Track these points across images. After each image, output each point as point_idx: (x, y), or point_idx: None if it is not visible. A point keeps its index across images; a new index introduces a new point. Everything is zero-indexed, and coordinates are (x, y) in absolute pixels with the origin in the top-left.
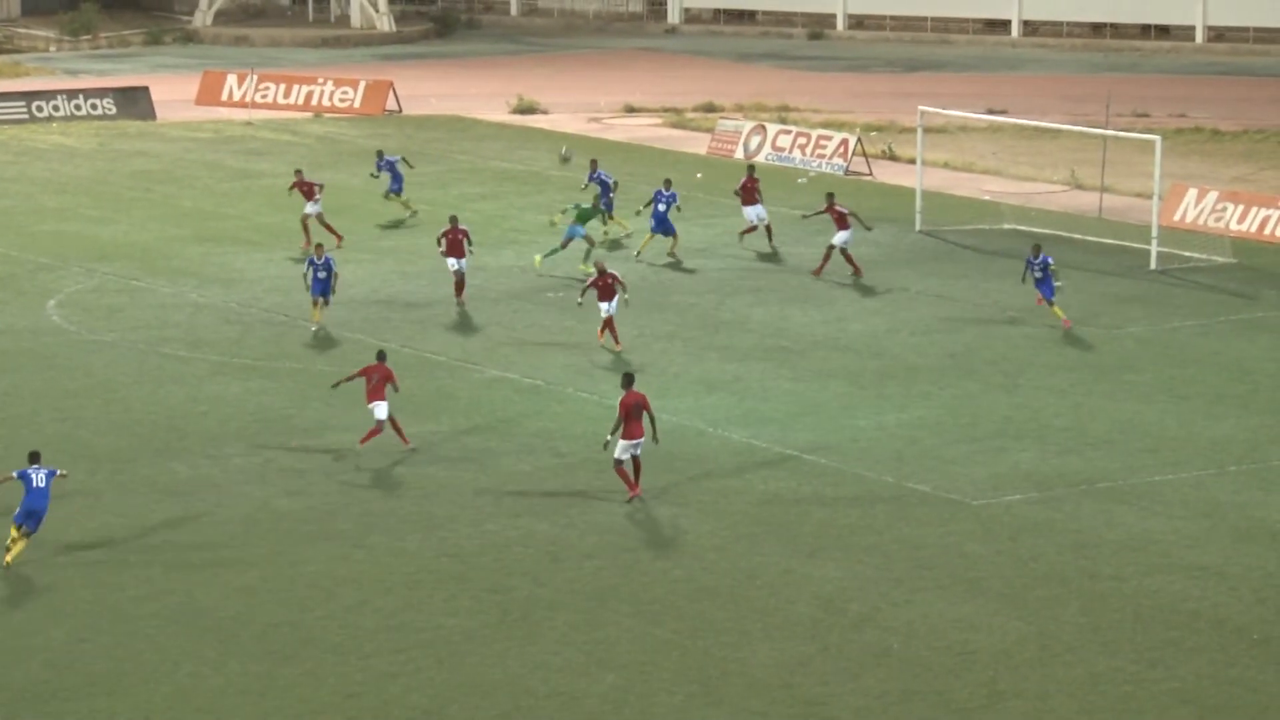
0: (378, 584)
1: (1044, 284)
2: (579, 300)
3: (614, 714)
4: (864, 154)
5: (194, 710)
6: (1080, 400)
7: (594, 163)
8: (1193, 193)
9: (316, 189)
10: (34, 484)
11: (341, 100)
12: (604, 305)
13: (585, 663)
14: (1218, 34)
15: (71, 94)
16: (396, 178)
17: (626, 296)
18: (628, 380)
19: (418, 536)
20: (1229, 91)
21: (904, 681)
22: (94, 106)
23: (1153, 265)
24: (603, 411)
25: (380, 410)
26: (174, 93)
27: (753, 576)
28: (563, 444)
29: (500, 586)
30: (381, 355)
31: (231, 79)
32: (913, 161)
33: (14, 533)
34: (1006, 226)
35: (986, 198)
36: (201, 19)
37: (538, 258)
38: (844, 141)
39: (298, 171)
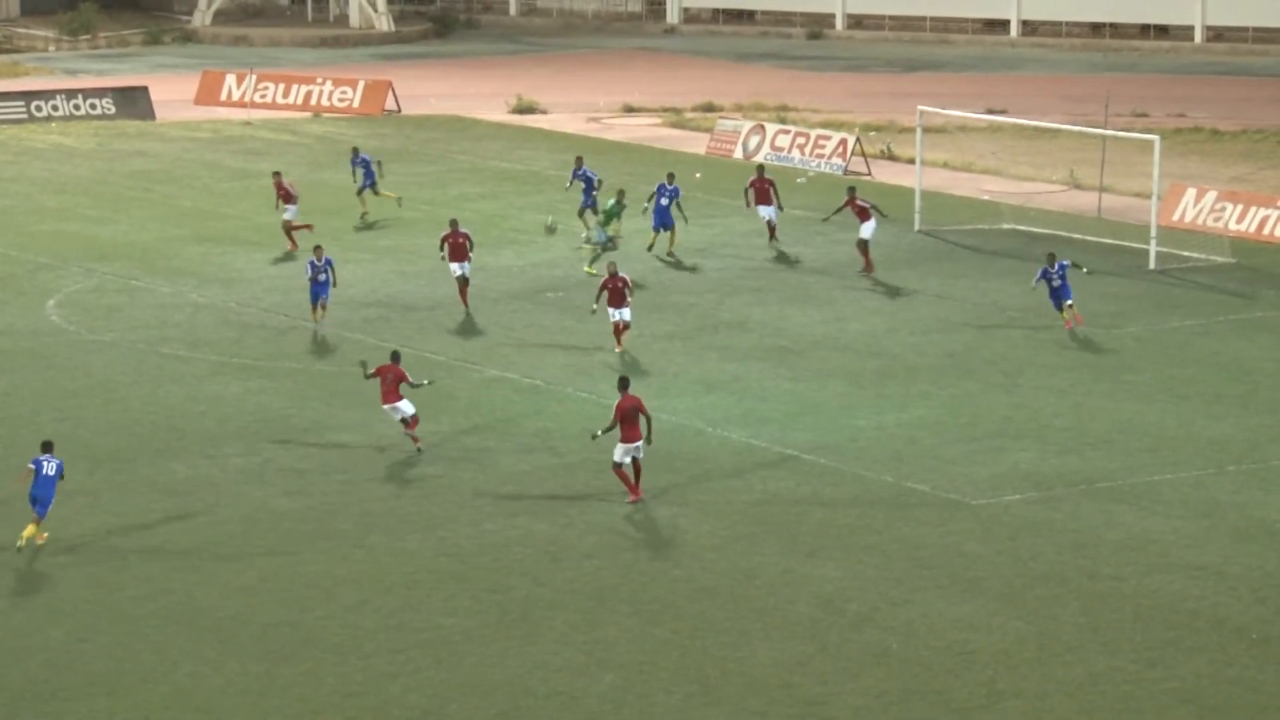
0: (377, 584)
1: (1063, 290)
2: (593, 308)
3: (613, 714)
4: (863, 154)
5: (193, 710)
6: (1080, 400)
7: (579, 160)
8: (1191, 192)
9: (294, 192)
10: (43, 471)
11: (340, 100)
12: (615, 311)
13: (584, 662)
14: (1217, 34)
15: (71, 94)
16: (369, 174)
17: (631, 300)
18: (623, 384)
19: (417, 536)
20: (1228, 91)
21: (903, 681)
22: (93, 106)
23: (1152, 265)
24: (602, 411)
25: (405, 408)
26: (173, 92)
27: (752, 576)
28: (562, 444)
29: (499, 586)
30: (396, 355)
31: (230, 79)
32: (912, 161)
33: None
34: (1006, 226)
35: (986, 198)
36: (200, 19)
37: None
38: (843, 141)
39: (276, 174)
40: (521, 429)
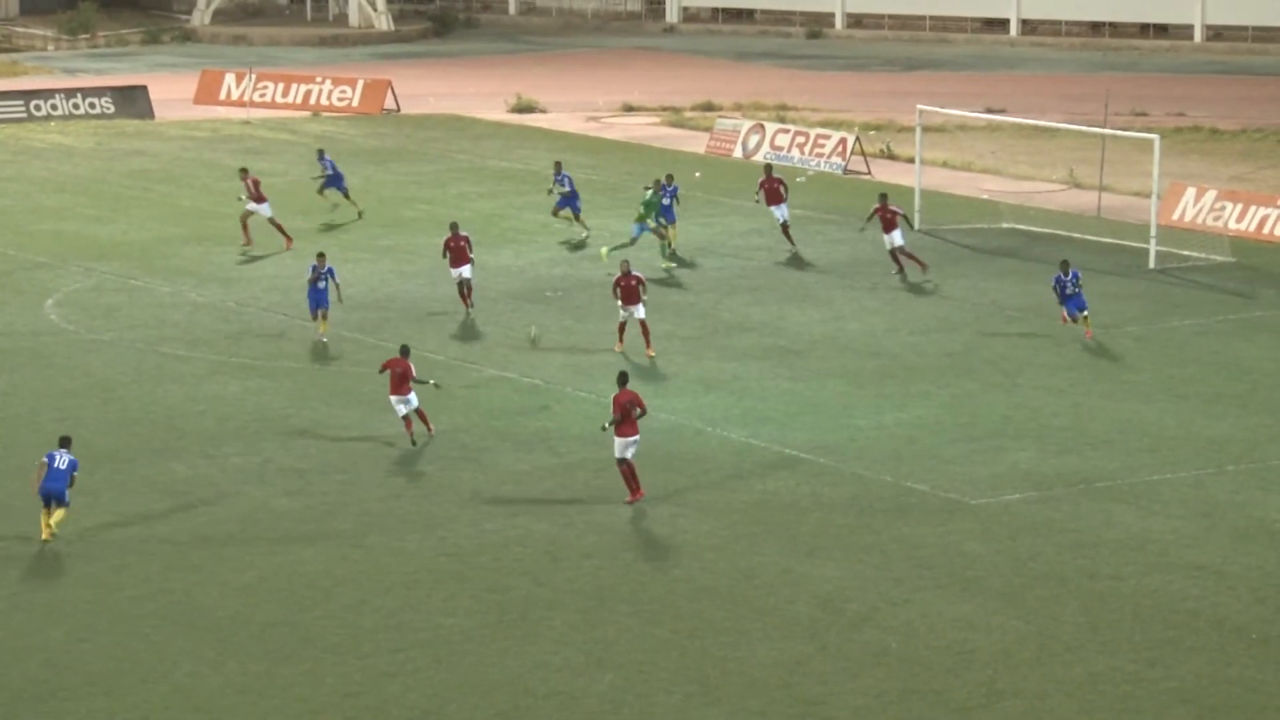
0: (376, 583)
1: (1077, 299)
2: (621, 313)
3: (613, 714)
4: (862, 153)
5: (192, 710)
6: (1079, 400)
7: (558, 165)
8: (1191, 192)
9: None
10: (55, 464)
11: (340, 99)
12: (629, 309)
13: (584, 662)
14: (1216, 33)
15: (70, 93)
16: (338, 175)
17: (645, 298)
18: (622, 379)
19: (416, 536)
20: (1227, 90)
21: (903, 681)
22: (92, 106)
23: (1151, 264)
24: (601, 411)
25: (414, 401)
26: (172, 92)
27: (751, 576)
28: (562, 444)
29: (499, 586)
30: (405, 350)
31: (230, 78)
32: (911, 160)
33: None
34: (1005, 226)
35: (985, 197)
36: (200, 18)
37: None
38: (842, 140)
39: (243, 170)
40: (521, 429)
